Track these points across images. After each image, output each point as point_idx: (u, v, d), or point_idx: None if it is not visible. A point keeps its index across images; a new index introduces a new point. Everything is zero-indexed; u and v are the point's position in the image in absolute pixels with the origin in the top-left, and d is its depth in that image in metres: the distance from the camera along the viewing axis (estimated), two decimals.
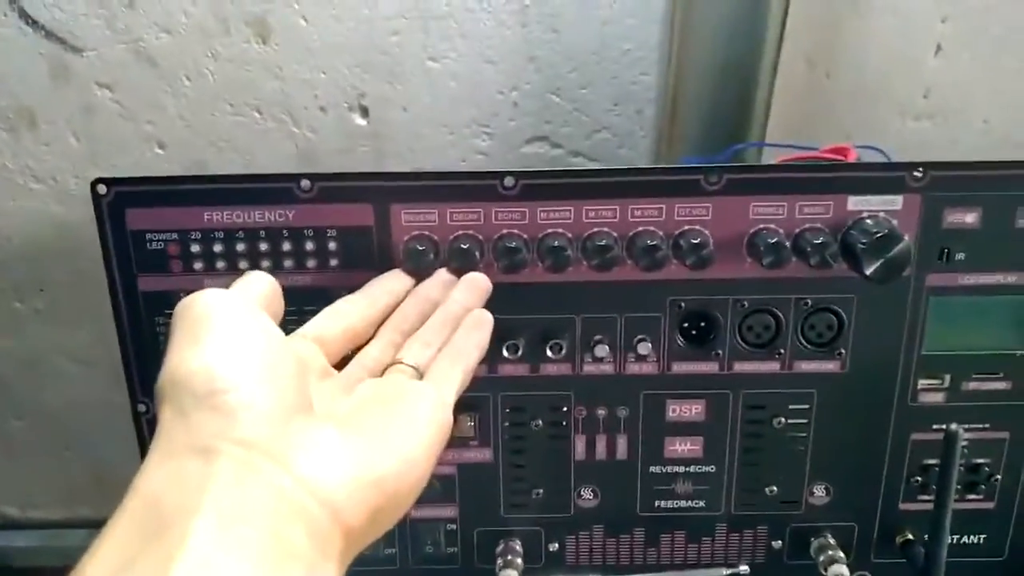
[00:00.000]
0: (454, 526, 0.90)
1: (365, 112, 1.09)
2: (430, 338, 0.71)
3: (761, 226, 0.80)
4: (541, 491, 0.90)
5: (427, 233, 0.80)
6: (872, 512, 0.90)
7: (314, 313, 0.72)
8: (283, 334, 0.62)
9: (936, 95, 1.14)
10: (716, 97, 0.98)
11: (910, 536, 0.90)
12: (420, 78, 1.07)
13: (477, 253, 0.82)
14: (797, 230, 0.79)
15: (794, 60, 1.04)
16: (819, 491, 0.91)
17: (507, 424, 0.87)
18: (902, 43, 1.12)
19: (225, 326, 0.58)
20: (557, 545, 0.91)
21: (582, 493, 0.90)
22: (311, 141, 1.09)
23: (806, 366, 0.85)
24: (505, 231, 0.80)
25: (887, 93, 1.14)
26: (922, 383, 0.86)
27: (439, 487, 0.90)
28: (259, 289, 0.65)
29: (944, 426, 0.80)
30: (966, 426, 0.83)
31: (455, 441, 0.90)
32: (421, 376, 0.67)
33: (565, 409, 0.86)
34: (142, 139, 1.07)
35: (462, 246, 0.82)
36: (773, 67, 0.96)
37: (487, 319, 0.75)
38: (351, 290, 0.78)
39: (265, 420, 0.54)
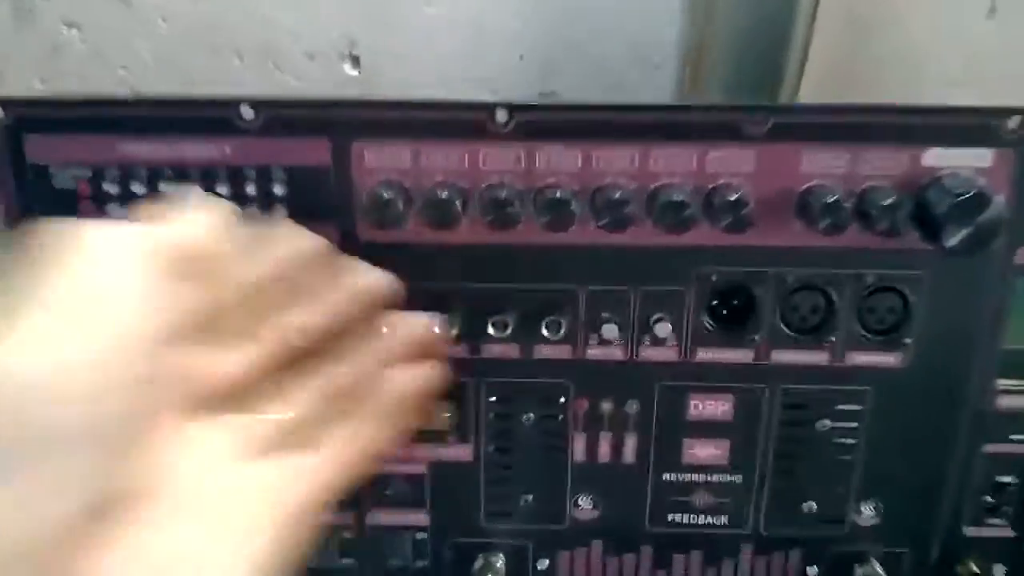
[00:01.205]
0: (424, 535, 0.78)
1: (356, 62, 0.99)
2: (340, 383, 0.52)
3: (815, 182, 0.67)
4: (530, 497, 0.77)
5: (396, 178, 0.64)
6: (930, 537, 0.77)
7: None
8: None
9: (986, 60, 0.99)
10: (744, 55, 0.88)
11: (975, 568, 0.76)
12: (417, 26, 0.95)
13: (458, 204, 0.65)
14: (859, 189, 0.66)
15: (832, 17, 0.93)
16: (867, 509, 0.77)
17: (491, 417, 0.74)
18: (952, 3, 0.98)
19: (74, 304, 0.40)
20: (548, 562, 0.78)
21: (580, 502, 0.78)
22: (296, 91, 0.98)
23: (861, 358, 0.71)
24: (495, 179, 0.64)
25: (933, 57, 1.00)
26: (1002, 384, 0.73)
27: (406, 487, 0.72)
28: (189, 236, 0.48)
29: None
30: None
31: (427, 436, 0.74)
32: (297, 443, 0.48)
33: (563, 401, 0.73)
34: (115, 84, 0.97)
35: (440, 195, 0.65)
36: (809, 24, 0.85)
37: (434, 375, 0.58)
38: None
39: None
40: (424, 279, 0.69)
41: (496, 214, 0.67)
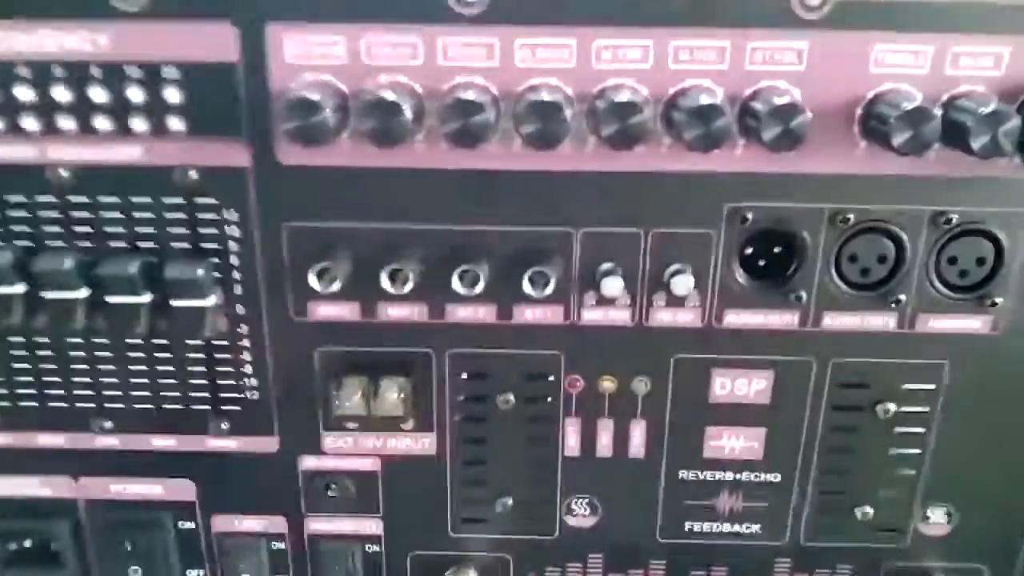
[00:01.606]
0: (376, 548, 0.67)
1: None
2: None
3: (888, 85, 0.52)
4: (510, 501, 0.65)
5: (328, 78, 0.45)
6: (1012, 551, 0.65)
7: (145, 216, 0.55)
8: None
9: None
10: None
11: None
12: None
13: (408, 111, 0.47)
14: (948, 95, 0.51)
15: None
16: (936, 516, 0.66)
17: (460, 399, 0.62)
18: None
19: None
20: None
21: (573, 507, 0.65)
22: None
23: (938, 323, 0.59)
24: (459, 77, 0.45)
25: None
26: None
27: (353, 488, 0.59)
28: None
29: None
30: None
31: (377, 423, 0.56)
32: None
33: (551, 379, 0.61)
34: None
35: (385, 99, 0.47)
36: None
37: None
38: (202, 173, 0.55)
39: None
40: (366, 217, 0.55)
41: (461, 125, 0.49)
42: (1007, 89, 0.52)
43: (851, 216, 0.55)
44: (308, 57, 0.52)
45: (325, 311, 0.58)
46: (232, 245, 0.57)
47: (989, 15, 0.51)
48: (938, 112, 0.50)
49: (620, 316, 0.59)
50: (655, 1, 0.51)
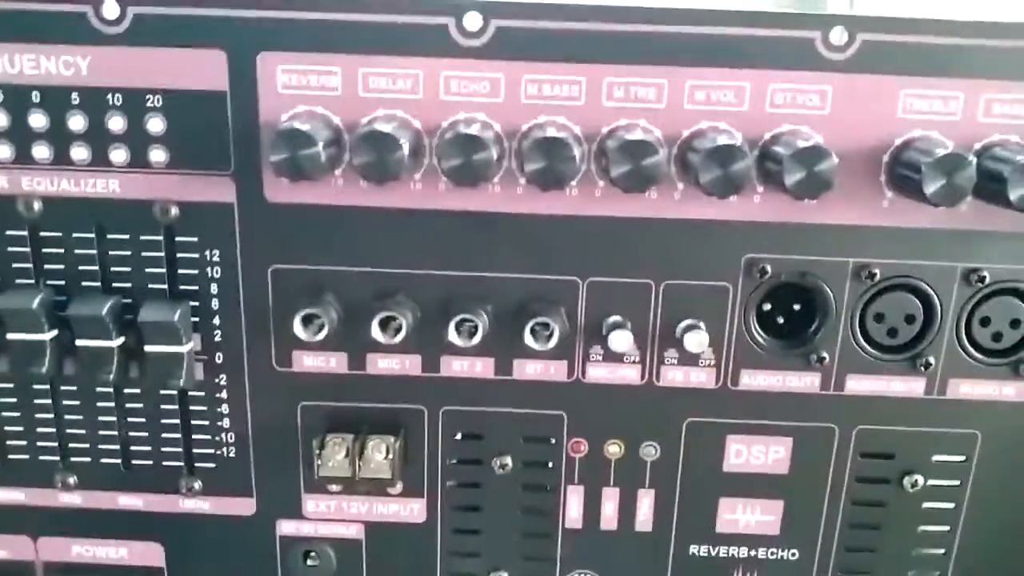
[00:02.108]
0: None
1: None
2: None
3: (917, 132, 0.47)
4: (506, 574, 0.58)
5: (322, 110, 0.41)
6: None
7: (121, 254, 0.52)
8: None
9: None
10: None
11: None
12: None
13: (405, 146, 0.44)
14: (980, 144, 0.46)
15: None
16: None
17: (454, 462, 0.57)
18: None
19: None
20: None
21: None
22: None
23: (969, 389, 0.54)
24: (462, 112, 0.41)
25: None
26: None
27: (335, 556, 0.54)
28: None
29: None
30: None
31: (362, 485, 0.52)
32: None
33: (553, 441, 0.57)
34: None
35: (381, 132, 0.44)
36: None
37: None
38: (183, 209, 0.51)
39: None
40: (358, 260, 0.51)
41: (462, 163, 0.46)
42: None
43: (877, 271, 0.52)
44: (301, 87, 0.49)
45: (310, 362, 0.54)
46: (213, 287, 0.53)
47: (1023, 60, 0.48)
48: (972, 159, 0.46)
49: (628, 374, 0.54)
50: (670, 37, 0.48)
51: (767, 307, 0.54)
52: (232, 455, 0.56)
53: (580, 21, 0.48)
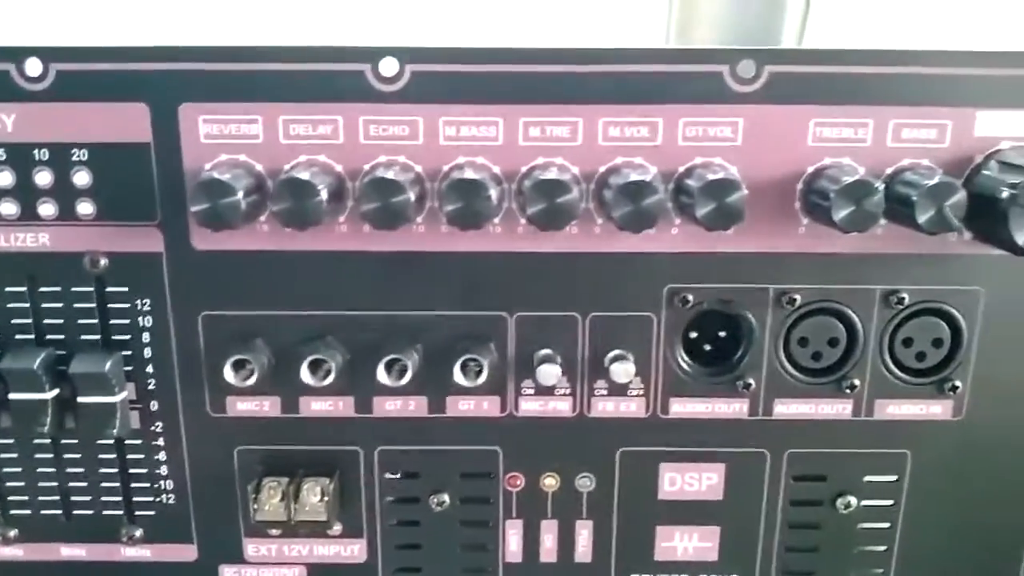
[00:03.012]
0: None
1: None
2: None
3: (828, 160, 0.48)
4: None
5: (242, 158, 0.42)
6: None
7: (53, 306, 0.52)
8: None
9: None
10: None
11: None
12: None
13: (323, 191, 0.45)
14: (891, 168, 0.48)
15: None
16: None
17: (390, 501, 0.57)
18: None
19: None
20: None
21: None
22: None
23: (896, 409, 0.55)
24: (381, 156, 0.42)
25: None
26: None
27: None
28: None
29: None
30: None
31: (300, 528, 0.52)
32: None
33: (490, 476, 0.55)
34: None
35: (298, 178, 0.45)
36: None
37: None
38: (113, 260, 0.52)
39: None
40: (286, 304, 0.52)
41: (380, 204, 0.46)
42: (953, 161, 0.50)
43: (797, 297, 0.52)
44: (223, 137, 0.50)
45: (244, 406, 0.54)
46: (145, 336, 0.53)
47: (930, 86, 0.49)
48: (880, 186, 0.47)
49: (560, 406, 0.55)
50: (582, 76, 0.49)
51: (694, 335, 0.55)
52: (172, 502, 0.56)
53: (494, 63, 0.49)
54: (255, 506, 0.54)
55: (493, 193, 0.47)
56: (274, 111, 0.49)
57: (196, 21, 0.86)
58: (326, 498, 0.54)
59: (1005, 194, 0.47)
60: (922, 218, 0.47)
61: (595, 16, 0.92)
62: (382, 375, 0.52)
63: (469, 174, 0.47)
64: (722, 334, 0.55)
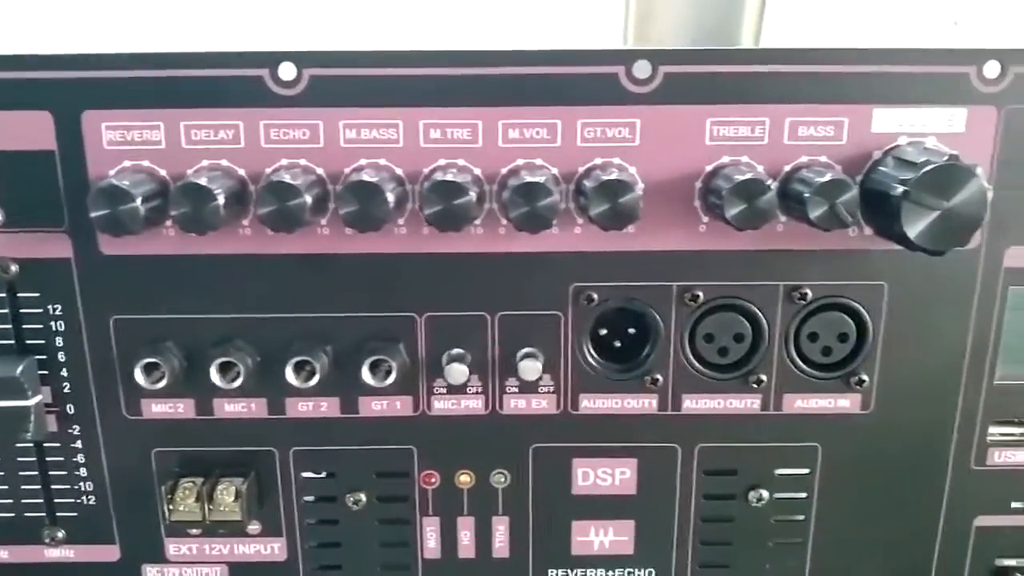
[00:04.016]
0: None
1: None
2: None
3: (726, 158, 0.48)
4: None
5: (146, 163, 0.43)
6: None
7: None
8: None
9: None
10: None
11: None
12: None
13: (221, 196, 0.45)
14: (788, 166, 0.47)
15: None
16: None
17: (309, 500, 0.57)
18: None
19: None
20: None
21: None
22: None
23: (804, 403, 0.56)
24: (282, 159, 0.43)
25: None
26: (994, 433, 0.56)
27: None
28: None
29: None
30: None
31: (220, 528, 0.52)
32: None
33: (406, 475, 0.54)
34: None
35: (195, 183, 0.45)
36: None
37: None
38: (23, 266, 0.53)
39: None
40: (195, 308, 0.53)
41: (278, 207, 0.47)
42: (852, 158, 0.51)
43: (700, 293, 0.53)
44: (126, 143, 0.50)
45: (159, 409, 0.55)
46: (58, 340, 0.54)
47: (826, 84, 0.50)
48: (772, 184, 0.48)
49: (472, 404, 0.55)
50: (481, 78, 0.50)
51: (603, 332, 0.55)
52: (92, 503, 0.57)
53: (393, 67, 0.49)
54: (170, 507, 0.54)
55: (391, 195, 0.47)
56: (175, 117, 0.50)
57: (98, 28, 0.86)
58: (240, 497, 0.55)
59: (897, 190, 0.47)
60: (814, 214, 0.48)
61: (550, 17, 0.92)
62: (291, 377, 0.52)
63: (365, 177, 0.48)
64: (632, 331, 0.55)
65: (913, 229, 0.47)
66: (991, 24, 0.93)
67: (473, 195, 0.47)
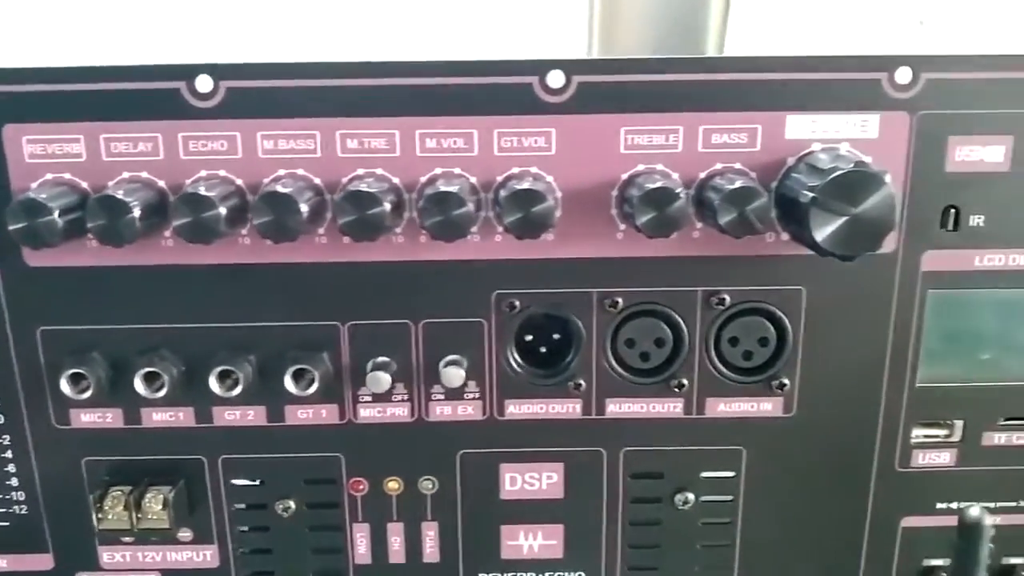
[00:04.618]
0: None
1: None
2: None
3: (640, 166, 0.49)
4: None
5: (67, 176, 0.43)
6: None
7: None
8: None
9: None
10: None
11: None
12: None
13: (136, 208, 0.46)
14: (703, 174, 0.48)
15: None
16: None
17: (239, 508, 0.58)
18: None
19: None
20: None
21: None
22: None
23: (727, 407, 0.56)
24: (201, 171, 0.43)
25: None
26: (916, 435, 0.56)
27: None
28: None
29: (956, 506, 0.50)
30: (989, 505, 0.56)
31: (151, 535, 0.53)
32: None
33: (333, 482, 0.55)
34: None
35: (111, 196, 0.46)
36: None
37: None
38: None
39: None
40: (120, 318, 0.53)
41: (193, 218, 0.47)
42: (766, 164, 0.51)
43: (620, 300, 0.54)
44: (47, 156, 0.51)
45: (88, 418, 0.55)
46: None
47: (738, 91, 0.50)
48: (683, 192, 0.48)
49: (398, 412, 0.56)
50: (398, 89, 0.50)
51: (529, 339, 0.56)
52: (24, 512, 0.57)
53: (309, 78, 0.50)
54: (99, 515, 0.55)
55: (305, 206, 0.48)
56: (95, 130, 0.50)
57: (18, 42, 0.87)
58: (167, 506, 0.55)
59: (806, 196, 0.48)
60: (724, 221, 0.48)
61: (515, 20, 0.92)
62: (215, 386, 0.53)
63: (280, 188, 0.48)
64: (556, 337, 0.56)
65: (821, 234, 0.47)
66: (957, 23, 0.94)
67: (388, 205, 0.48)
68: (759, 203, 0.48)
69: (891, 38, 0.92)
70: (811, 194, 0.47)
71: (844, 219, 0.47)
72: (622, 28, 0.76)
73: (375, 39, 0.89)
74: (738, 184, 0.48)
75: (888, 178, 0.47)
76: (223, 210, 0.48)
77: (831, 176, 0.47)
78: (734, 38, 0.77)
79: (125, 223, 0.47)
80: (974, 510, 0.49)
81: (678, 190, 0.48)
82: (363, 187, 0.48)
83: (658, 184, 0.48)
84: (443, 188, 0.48)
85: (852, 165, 0.47)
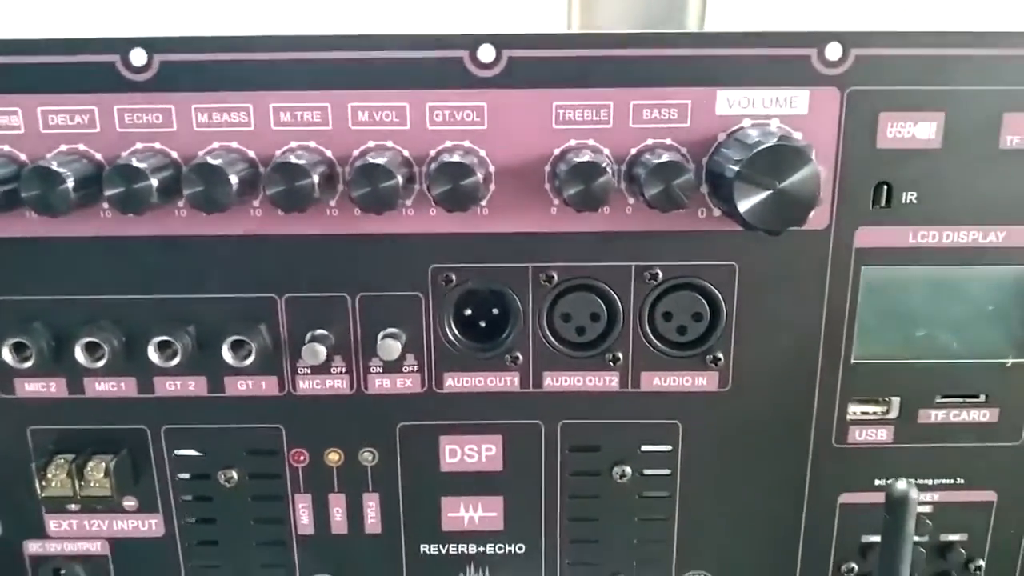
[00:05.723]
0: None
1: None
2: None
3: (571, 141, 0.48)
4: None
5: (6, 147, 0.45)
6: None
7: None
8: None
9: None
10: None
11: None
12: None
13: (70, 180, 0.47)
14: (634, 149, 0.48)
15: None
16: None
17: (183, 477, 0.59)
18: None
19: None
20: None
21: None
22: None
23: (662, 381, 0.55)
24: (137, 143, 0.44)
25: None
26: (853, 412, 0.57)
27: (83, 572, 0.53)
28: None
29: (889, 481, 0.49)
30: (926, 482, 0.58)
31: (95, 504, 0.54)
32: None
33: (275, 453, 0.56)
34: None
35: (44, 167, 0.47)
36: None
37: None
38: None
39: None
40: (60, 289, 0.54)
41: (124, 189, 0.48)
42: (697, 140, 0.52)
43: (555, 274, 0.54)
44: None
45: (32, 387, 0.56)
46: None
47: (669, 67, 0.51)
48: (610, 167, 0.49)
49: (337, 384, 0.56)
50: (330, 62, 0.51)
51: (468, 312, 0.56)
52: None
53: (243, 51, 0.50)
54: (43, 483, 0.56)
55: (235, 177, 0.49)
56: (33, 102, 0.51)
57: None
58: (109, 474, 0.56)
59: (731, 171, 0.48)
60: (649, 195, 0.49)
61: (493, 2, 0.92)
62: (154, 356, 0.54)
63: (211, 160, 0.49)
64: (495, 311, 0.56)
65: (746, 207, 0.48)
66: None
67: (316, 177, 0.49)
68: (685, 178, 0.48)
69: (873, 11, 0.91)
70: (736, 168, 0.48)
71: (768, 193, 0.47)
72: (602, 3, 0.76)
73: (347, 13, 0.90)
74: (664, 158, 0.48)
75: (813, 153, 0.47)
76: (155, 181, 0.48)
77: (756, 150, 0.47)
78: (714, 13, 0.77)
79: (59, 193, 0.48)
80: (901, 483, 0.50)
81: (604, 164, 0.48)
82: (292, 159, 0.49)
83: (585, 158, 0.48)
84: (371, 160, 0.48)
85: (777, 139, 0.48)
